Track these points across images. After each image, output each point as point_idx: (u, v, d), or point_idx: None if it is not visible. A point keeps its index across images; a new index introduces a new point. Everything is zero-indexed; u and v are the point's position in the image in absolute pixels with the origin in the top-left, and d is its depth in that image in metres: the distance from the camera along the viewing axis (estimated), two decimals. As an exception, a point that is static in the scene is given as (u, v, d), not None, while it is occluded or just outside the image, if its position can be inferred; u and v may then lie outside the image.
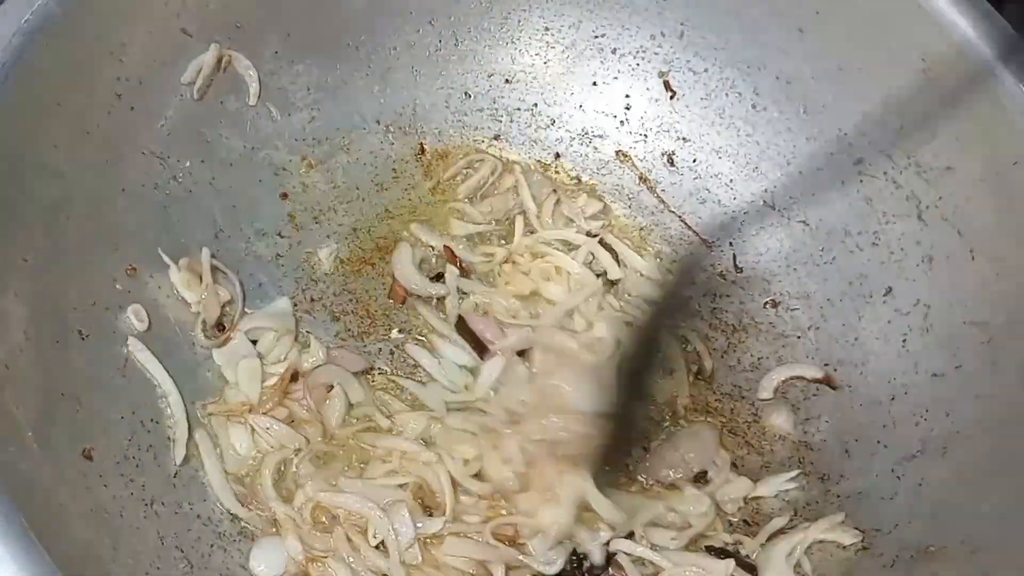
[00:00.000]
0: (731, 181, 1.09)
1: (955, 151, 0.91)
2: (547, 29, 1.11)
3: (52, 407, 0.79)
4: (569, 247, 1.06)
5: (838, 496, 0.93)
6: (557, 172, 1.12)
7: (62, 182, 0.84)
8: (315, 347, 0.97)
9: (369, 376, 0.98)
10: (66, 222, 0.84)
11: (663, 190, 1.11)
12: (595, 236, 1.06)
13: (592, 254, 1.05)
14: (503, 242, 1.07)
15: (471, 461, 0.91)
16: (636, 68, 1.10)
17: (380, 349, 1.00)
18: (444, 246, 1.04)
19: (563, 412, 0.92)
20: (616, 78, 1.11)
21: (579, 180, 1.12)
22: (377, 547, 0.86)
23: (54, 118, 0.83)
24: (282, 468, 0.91)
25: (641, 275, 1.05)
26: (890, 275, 0.98)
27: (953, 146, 0.91)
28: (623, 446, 0.94)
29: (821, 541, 0.89)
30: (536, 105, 1.13)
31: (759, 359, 1.03)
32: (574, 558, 0.87)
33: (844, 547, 0.88)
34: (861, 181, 1.00)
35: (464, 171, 1.10)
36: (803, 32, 0.99)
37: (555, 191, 1.08)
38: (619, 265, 1.05)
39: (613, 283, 1.04)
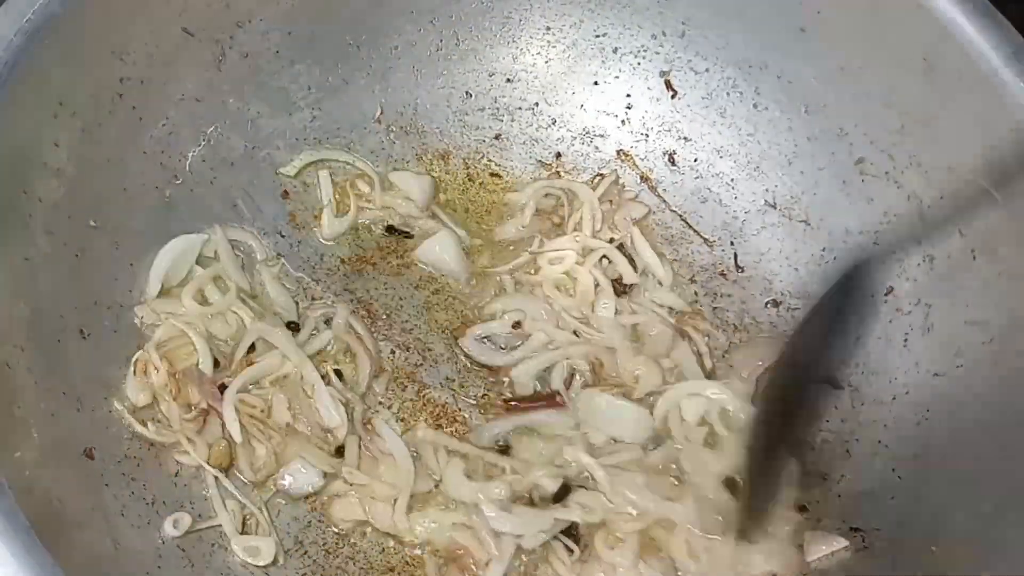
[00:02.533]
0: (732, 180, 1.09)
1: (956, 151, 0.91)
2: (548, 28, 1.10)
3: (52, 407, 0.79)
4: (586, 252, 1.04)
5: (838, 496, 0.93)
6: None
7: (63, 182, 0.84)
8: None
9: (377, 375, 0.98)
10: (66, 222, 0.84)
11: (664, 189, 1.11)
12: (612, 240, 1.05)
13: (607, 258, 1.04)
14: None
15: None
16: (637, 67, 1.10)
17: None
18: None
19: None
20: (617, 77, 1.11)
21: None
22: None
23: (55, 118, 0.83)
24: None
25: (660, 284, 1.05)
26: (891, 274, 0.97)
27: (954, 146, 0.91)
28: None
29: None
30: (537, 104, 1.12)
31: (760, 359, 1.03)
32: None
33: (845, 547, 0.88)
34: (862, 180, 1.00)
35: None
36: (804, 32, 0.99)
37: (611, 202, 1.07)
38: (636, 270, 1.04)
39: (626, 288, 1.03)
